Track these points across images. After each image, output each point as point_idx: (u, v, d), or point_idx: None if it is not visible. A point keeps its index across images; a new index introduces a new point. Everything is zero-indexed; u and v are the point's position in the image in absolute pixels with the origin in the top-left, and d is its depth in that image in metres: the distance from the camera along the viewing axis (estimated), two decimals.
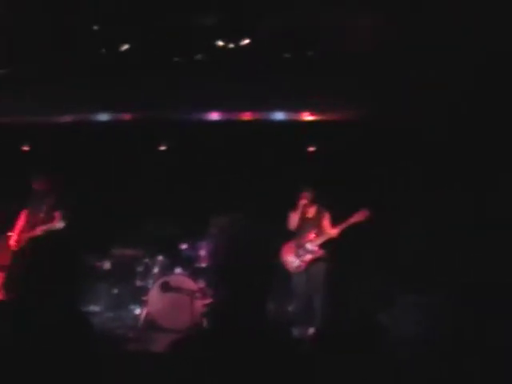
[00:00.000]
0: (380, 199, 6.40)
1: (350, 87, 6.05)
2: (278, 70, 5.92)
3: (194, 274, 6.51)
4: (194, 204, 7.23)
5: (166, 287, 6.28)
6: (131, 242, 7.21)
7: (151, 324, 6.25)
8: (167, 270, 6.69)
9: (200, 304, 6.13)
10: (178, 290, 6.23)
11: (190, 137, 7.43)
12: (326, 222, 6.24)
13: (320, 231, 6.21)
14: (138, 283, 6.78)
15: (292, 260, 6.21)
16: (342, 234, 6.09)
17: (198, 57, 5.86)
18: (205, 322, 6.02)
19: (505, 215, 5.68)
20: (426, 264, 6.01)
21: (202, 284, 6.34)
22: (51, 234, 5.43)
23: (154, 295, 6.32)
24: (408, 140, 6.35)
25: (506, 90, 5.41)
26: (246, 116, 6.91)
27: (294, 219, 6.27)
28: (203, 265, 6.63)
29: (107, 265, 7.09)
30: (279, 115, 6.79)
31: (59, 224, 6.00)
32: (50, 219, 6.09)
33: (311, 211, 6.31)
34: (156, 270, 6.75)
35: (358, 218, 6.04)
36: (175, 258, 6.78)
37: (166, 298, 6.26)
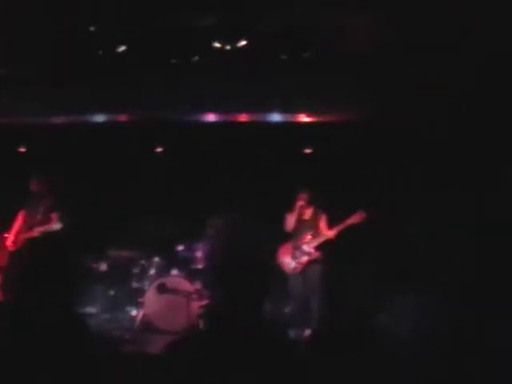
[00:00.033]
0: (380, 199, 6.42)
1: (349, 87, 6.05)
2: (276, 71, 5.91)
3: (191, 275, 6.50)
4: (191, 205, 7.22)
5: (162, 289, 6.27)
6: (127, 243, 7.20)
7: (148, 325, 6.24)
8: (163, 271, 6.68)
9: (196, 305, 6.13)
10: (174, 291, 6.23)
11: (187, 138, 7.43)
12: (323, 223, 6.23)
13: (316, 233, 6.20)
14: (135, 285, 6.77)
15: (288, 262, 6.20)
16: (338, 236, 6.09)
17: (196, 58, 5.84)
18: (201, 324, 6.01)
19: (505, 215, 5.68)
20: (426, 264, 6.00)
21: (198, 285, 6.33)
22: (48, 236, 5.43)
23: (151, 297, 6.30)
24: (408, 140, 6.36)
25: (506, 89, 5.41)
26: (244, 117, 6.91)
27: (290, 221, 6.26)
28: (199, 266, 6.62)
29: (103, 266, 7.09)
30: (277, 117, 6.79)
31: (56, 225, 5.99)
32: (47, 220, 6.09)
33: (308, 213, 6.30)
34: (152, 271, 6.74)
35: (354, 219, 6.04)
36: (171, 260, 6.78)
37: (162, 299, 6.25)
